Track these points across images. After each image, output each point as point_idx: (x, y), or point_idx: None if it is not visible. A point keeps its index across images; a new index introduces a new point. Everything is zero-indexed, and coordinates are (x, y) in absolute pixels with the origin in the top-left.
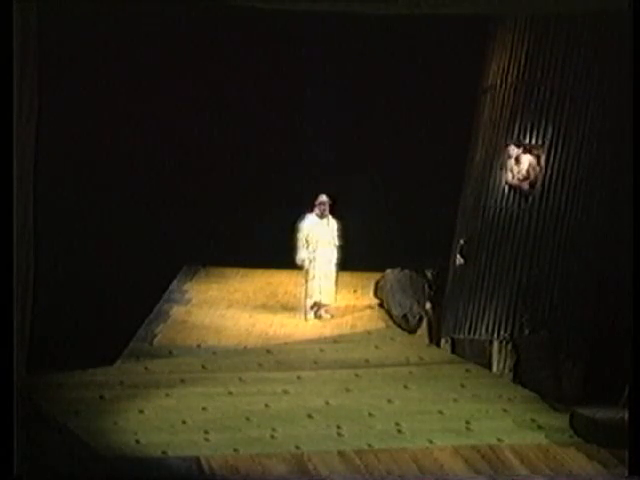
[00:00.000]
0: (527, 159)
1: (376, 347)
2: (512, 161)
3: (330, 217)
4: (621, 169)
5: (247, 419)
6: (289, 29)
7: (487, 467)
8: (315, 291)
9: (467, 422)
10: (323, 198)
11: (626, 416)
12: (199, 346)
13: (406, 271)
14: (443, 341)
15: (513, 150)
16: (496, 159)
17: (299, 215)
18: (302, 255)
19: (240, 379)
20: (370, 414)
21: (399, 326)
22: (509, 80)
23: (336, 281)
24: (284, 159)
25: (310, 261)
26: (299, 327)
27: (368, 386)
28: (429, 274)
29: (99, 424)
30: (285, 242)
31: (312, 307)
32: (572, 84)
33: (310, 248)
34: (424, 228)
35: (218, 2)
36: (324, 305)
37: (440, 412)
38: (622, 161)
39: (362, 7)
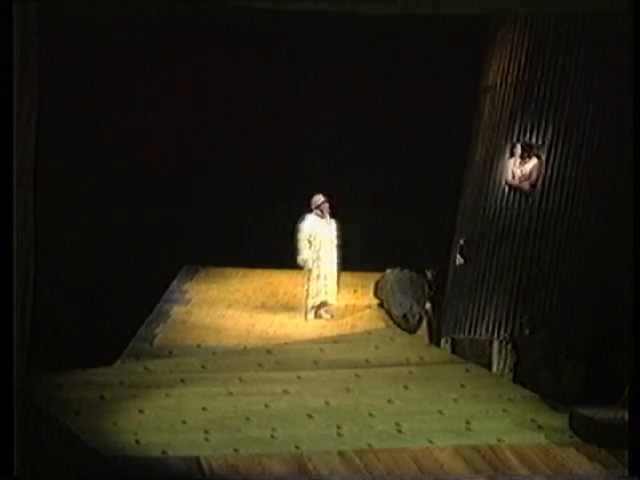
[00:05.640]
0: (527, 159)
1: (376, 347)
2: (512, 161)
3: (329, 217)
4: (621, 169)
5: (247, 419)
6: (288, 29)
7: (487, 467)
8: (321, 291)
9: (467, 422)
10: (321, 198)
11: (626, 416)
12: (199, 346)
13: (406, 271)
14: (443, 341)
15: (513, 150)
16: (496, 159)
17: (299, 215)
18: (304, 255)
19: (240, 379)
20: (370, 414)
21: (399, 326)
22: (509, 80)
23: (337, 281)
24: (284, 159)
25: (314, 261)
26: (299, 327)
27: (368, 386)
28: (429, 274)
29: (99, 424)
30: (285, 242)
31: (317, 307)
32: (572, 84)
33: (313, 248)
34: (424, 228)
35: (218, 2)
36: (329, 304)
37: (440, 412)
38: (622, 161)
39: (362, 7)
